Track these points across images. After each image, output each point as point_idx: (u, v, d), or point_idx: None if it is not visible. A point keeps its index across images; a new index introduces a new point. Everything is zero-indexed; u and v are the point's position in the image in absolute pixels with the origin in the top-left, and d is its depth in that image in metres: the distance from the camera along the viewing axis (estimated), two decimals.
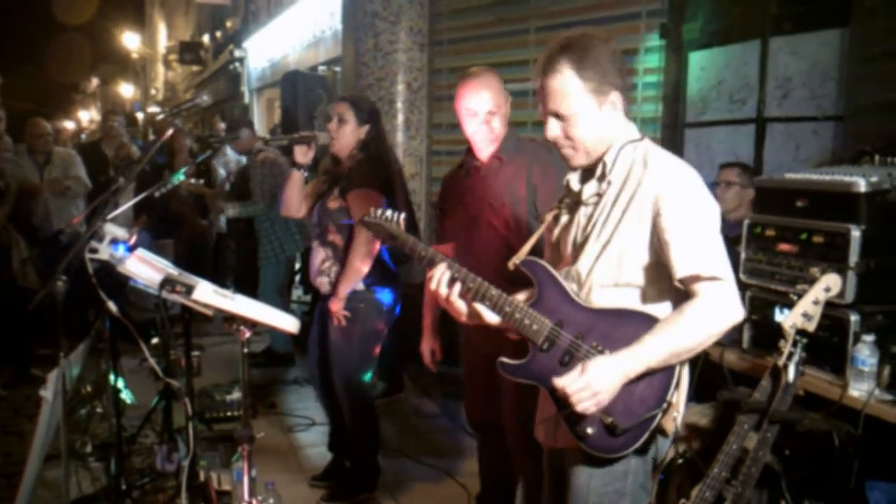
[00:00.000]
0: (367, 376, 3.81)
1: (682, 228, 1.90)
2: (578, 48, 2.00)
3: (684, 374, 1.98)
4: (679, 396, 1.96)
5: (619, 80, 2.03)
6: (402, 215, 2.25)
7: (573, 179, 2.15)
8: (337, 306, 3.59)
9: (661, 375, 1.93)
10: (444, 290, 2.12)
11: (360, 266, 3.57)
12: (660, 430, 1.95)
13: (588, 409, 1.89)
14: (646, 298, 2.01)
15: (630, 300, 2.01)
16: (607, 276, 2.02)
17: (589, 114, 2.02)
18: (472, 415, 3.50)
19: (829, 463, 2.48)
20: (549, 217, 2.24)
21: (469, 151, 3.20)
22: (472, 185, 3.16)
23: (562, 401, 1.94)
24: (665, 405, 1.91)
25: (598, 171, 2.06)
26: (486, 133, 3.08)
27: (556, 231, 2.23)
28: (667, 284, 1.97)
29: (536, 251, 2.22)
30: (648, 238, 1.96)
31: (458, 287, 2.12)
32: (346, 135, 3.68)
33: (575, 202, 2.14)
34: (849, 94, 3.85)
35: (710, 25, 4.73)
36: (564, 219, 2.20)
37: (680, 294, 1.95)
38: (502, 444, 3.24)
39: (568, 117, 2.03)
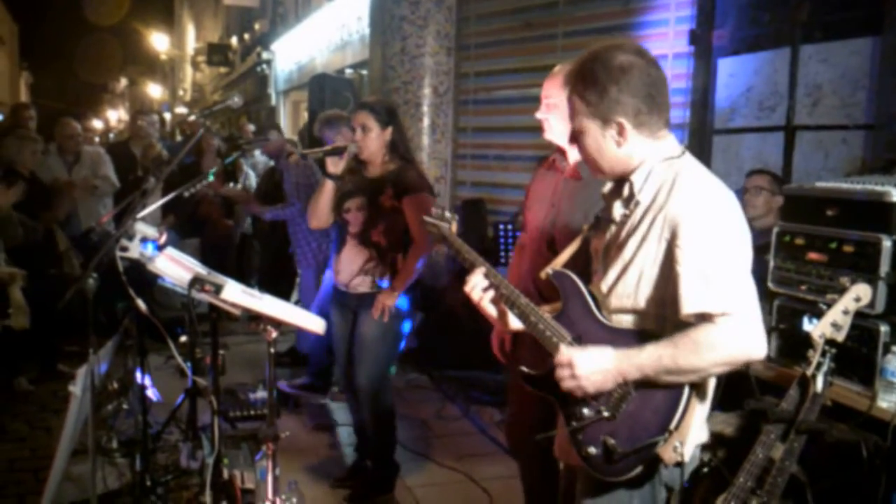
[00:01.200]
0: (391, 372, 3.86)
1: (694, 261, 1.81)
2: (589, 68, 1.94)
3: (697, 403, 1.91)
4: (685, 427, 1.88)
5: (632, 106, 1.91)
6: (454, 218, 2.38)
7: (606, 192, 2.12)
8: (392, 300, 3.64)
9: (667, 402, 1.88)
10: (476, 294, 2.19)
11: (419, 264, 3.68)
12: (658, 459, 1.88)
13: (569, 389, 1.92)
14: (663, 325, 1.93)
15: (646, 326, 1.97)
16: (625, 299, 1.98)
17: (592, 135, 1.98)
18: (513, 436, 3.34)
19: (857, 474, 2.45)
20: (585, 227, 2.22)
21: (560, 150, 3.01)
22: (549, 190, 2.98)
23: (569, 415, 1.99)
24: (666, 434, 1.86)
25: (626, 192, 2.00)
26: (545, 127, 2.94)
27: (594, 241, 2.20)
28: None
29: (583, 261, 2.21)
30: (662, 266, 1.90)
31: (491, 293, 2.18)
32: (373, 141, 3.73)
33: (607, 217, 2.10)
34: (879, 102, 3.82)
35: (740, 32, 4.71)
36: (599, 231, 2.16)
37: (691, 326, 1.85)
38: (545, 468, 3.20)
39: (576, 133, 2.02)
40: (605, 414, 1.93)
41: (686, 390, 1.88)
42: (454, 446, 4.73)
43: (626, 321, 1.99)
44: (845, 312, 2.36)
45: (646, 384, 1.89)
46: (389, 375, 3.87)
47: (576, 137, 2.03)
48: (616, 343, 1.93)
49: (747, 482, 2.29)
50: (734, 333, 1.79)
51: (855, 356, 2.59)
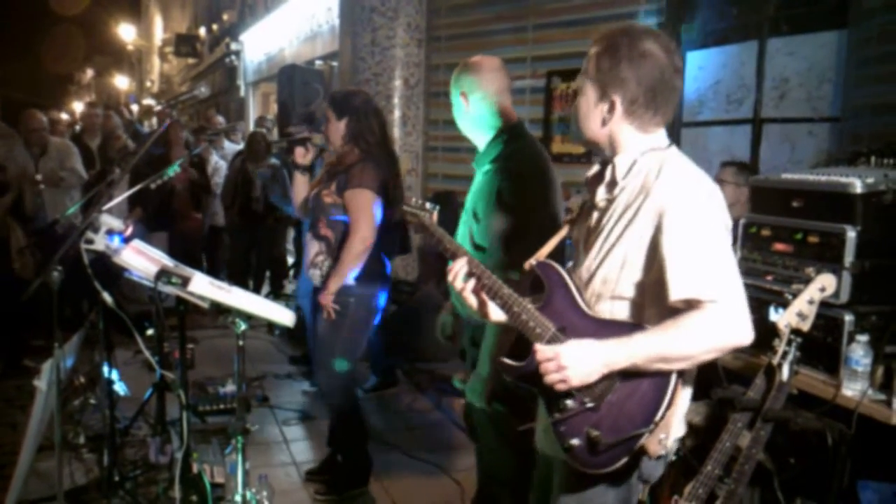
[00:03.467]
0: (347, 369, 3.77)
1: (681, 248, 1.81)
2: (616, 38, 1.94)
3: (680, 396, 1.93)
4: (671, 418, 1.90)
5: (633, 90, 1.92)
6: (437, 208, 2.32)
7: (590, 175, 2.11)
8: (326, 300, 3.61)
9: (653, 393, 1.86)
10: (458, 284, 2.15)
11: (352, 265, 3.59)
12: (643, 451, 1.90)
13: (555, 384, 1.86)
14: (640, 315, 1.94)
15: (626, 314, 1.96)
16: (606, 285, 1.96)
17: (586, 100, 1.99)
18: (467, 417, 3.44)
19: (822, 462, 2.49)
20: (568, 217, 2.21)
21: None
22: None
23: (552, 406, 1.95)
24: (652, 425, 1.85)
25: (608, 176, 2.00)
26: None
27: (574, 231, 2.19)
28: (664, 302, 1.86)
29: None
30: (650, 252, 1.88)
31: (473, 282, 2.14)
32: (331, 132, 3.76)
33: (590, 204, 2.09)
34: (846, 95, 3.87)
35: (708, 26, 4.75)
36: (581, 219, 2.15)
37: (674, 313, 1.84)
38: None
39: (578, 93, 2.03)
40: (589, 405, 1.90)
41: (672, 381, 1.86)
42: (426, 438, 4.73)
43: (606, 310, 1.97)
44: (810, 302, 2.39)
45: (631, 374, 1.87)
46: (348, 370, 3.78)
47: (576, 94, 2.05)
48: (600, 334, 1.90)
49: (715, 470, 2.32)
50: (723, 319, 1.79)
51: (820, 345, 2.62)
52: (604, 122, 1.98)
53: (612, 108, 1.95)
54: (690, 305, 1.81)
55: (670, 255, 1.82)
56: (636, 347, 1.83)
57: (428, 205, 2.35)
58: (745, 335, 1.81)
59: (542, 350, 1.90)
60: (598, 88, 1.96)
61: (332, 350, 3.72)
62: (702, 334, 1.80)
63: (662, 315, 1.88)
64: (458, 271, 2.15)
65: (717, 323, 1.79)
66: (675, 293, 1.81)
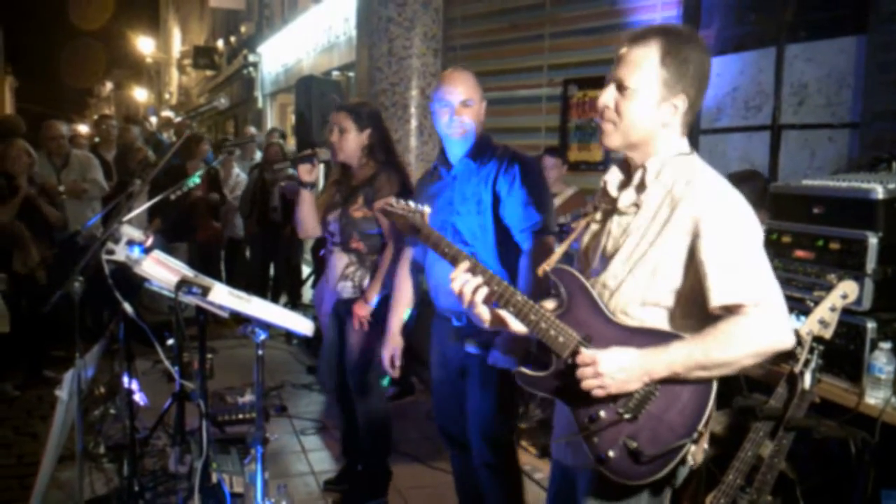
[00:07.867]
0: (385, 380, 3.79)
1: (722, 254, 1.78)
2: (677, 37, 1.89)
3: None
4: (710, 427, 1.86)
5: (694, 91, 1.89)
6: (427, 208, 2.19)
7: (611, 183, 2.04)
8: (364, 311, 3.60)
9: (693, 403, 1.81)
10: (468, 295, 2.02)
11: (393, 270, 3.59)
12: (685, 461, 1.83)
13: (593, 391, 1.81)
14: (673, 322, 1.90)
15: (656, 321, 1.90)
16: (636, 293, 1.91)
17: (647, 99, 1.90)
18: (440, 426, 3.36)
19: (845, 471, 2.46)
20: (581, 223, 2.13)
21: (442, 153, 3.08)
22: (442, 187, 3.05)
23: (583, 417, 1.89)
24: (696, 434, 1.79)
25: (637, 179, 1.95)
26: (456, 127, 2.94)
27: (586, 238, 2.12)
28: (696, 309, 1.84)
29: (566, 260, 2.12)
30: (685, 259, 1.84)
31: (483, 291, 2.01)
32: (349, 143, 3.70)
33: (610, 209, 2.02)
34: (865, 101, 3.84)
35: (726, 32, 4.73)
36: (596, 225, 2.09)
37: (711, 321, 1.81)
38: (470, 460, 3.16)
39: (627, 91, 1.90)
40: (626, 416, 1.84)
41: (713, 389, 1.82)
42: (444, 447, 4.71)
43: (634, 317, 1.92)
44: (832, 309, 2.37)
45: (671, 384, 1.82)
46: (381, 383, 3.80)
47: (623, 96, 1.92)
48: (630, 342, 1.84)
49: (737, 480, 2.30)
50: (765, 323, 1.76)
51: (842, 353, 2.60)
52: (664, 125, 1.92)
53: (676, 110, 1.90)
54: (730, 311, 1.78)
55: (711, 262, 1.79)
56: (676, 355, 1.78)
57: (415, 205, 2.21)
58: (788, 338, 1.78)
59: (580, 356, 1.83)
60: (663, 87, 1.89)
61: (366, 362, 3.72)
62: (745, 338, 1.76)
63: (696, 326, 1.84)
64: (464, 279, 2.02)
65: (761, 326, 1.76)
66: (717, 299, 1.78)
